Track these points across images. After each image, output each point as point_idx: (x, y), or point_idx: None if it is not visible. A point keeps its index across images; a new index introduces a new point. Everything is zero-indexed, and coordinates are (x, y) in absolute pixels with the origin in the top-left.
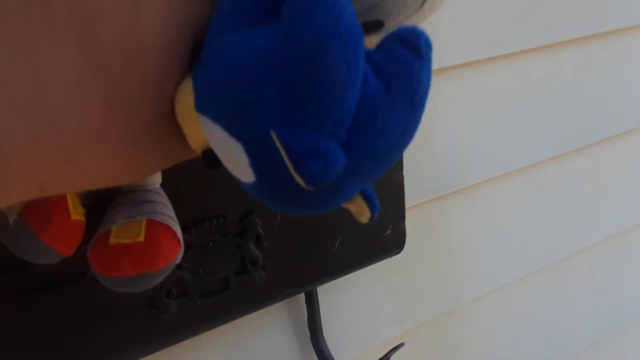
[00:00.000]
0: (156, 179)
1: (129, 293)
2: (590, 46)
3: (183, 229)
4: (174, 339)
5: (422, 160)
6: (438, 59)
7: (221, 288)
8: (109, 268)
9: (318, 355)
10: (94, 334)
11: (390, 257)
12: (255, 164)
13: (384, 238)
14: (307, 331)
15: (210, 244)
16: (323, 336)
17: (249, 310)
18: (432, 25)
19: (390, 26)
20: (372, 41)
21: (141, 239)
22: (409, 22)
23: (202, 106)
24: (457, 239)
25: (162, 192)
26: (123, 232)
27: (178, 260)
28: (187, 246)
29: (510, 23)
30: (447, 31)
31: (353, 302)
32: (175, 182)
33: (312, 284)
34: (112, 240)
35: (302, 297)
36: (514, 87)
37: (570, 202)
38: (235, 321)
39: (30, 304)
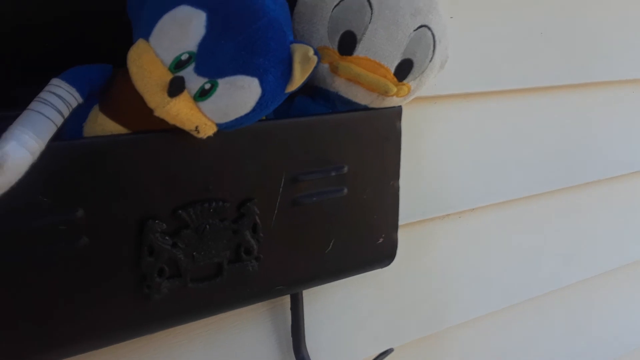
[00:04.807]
0: None
1: (119, 269)
2: (581, 94)
3: (182, 207)
4: (162, 323)
5: (413, 183)
6: (434, 87)
7: (214, 274)
8: None
9: None
10: (81, 306)
11: (381, 267)
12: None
13: (377, 246)
14: (289, 338)
15: (207, 226)
16: (305, 345)
17: (239, 302)
18: None
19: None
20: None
21: None
22: None
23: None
24: (441, 262)
25: None
26: None
27: None
28: (184, 226)
29: (507, 62)
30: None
31: (337, 315)
32: (181, 159)
33: (303, 285)
34: None
35: (287, 303)
36: (506, 124)
37: (551, 240)
38: (218, 321)
39: (15, 271)
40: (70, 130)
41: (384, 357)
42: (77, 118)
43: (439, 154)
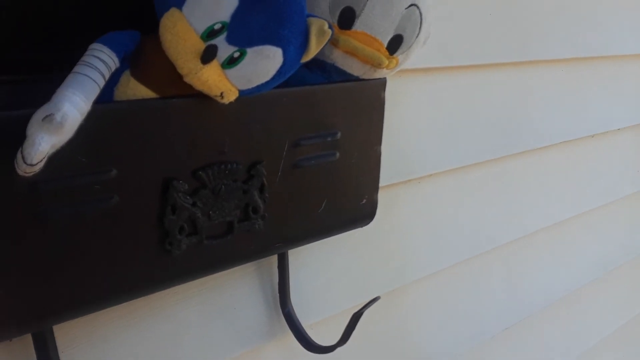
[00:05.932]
0: None
1: (145, 227)
2: (521, 71)
3: (201, 168)
4: (180, 278)
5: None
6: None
7: (226, 231)
8: None
9: (286, 318)
10: (106, 263)
11: (362, 226)
12: None
13: (360, 206)
14: (276, 295)
15: (222, 187)
16: (290, 300)
17: (245, 258)
18: None
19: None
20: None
21: None
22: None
23: None
24: (404, 223)
25: None
26: None
27: None
28: (203, 186)
29: (461, 40)
30: None
31: (316, 272)
32: (201, 125)
33: (298, 242)
34: None
35: (272, 263)
36: (458, 97)
37: (493, 202)
38: (212, 280)
39: (43, 230)
40: (101, 92)
41: (371, 305)
42: (108, 81)
43: (402, 124)
